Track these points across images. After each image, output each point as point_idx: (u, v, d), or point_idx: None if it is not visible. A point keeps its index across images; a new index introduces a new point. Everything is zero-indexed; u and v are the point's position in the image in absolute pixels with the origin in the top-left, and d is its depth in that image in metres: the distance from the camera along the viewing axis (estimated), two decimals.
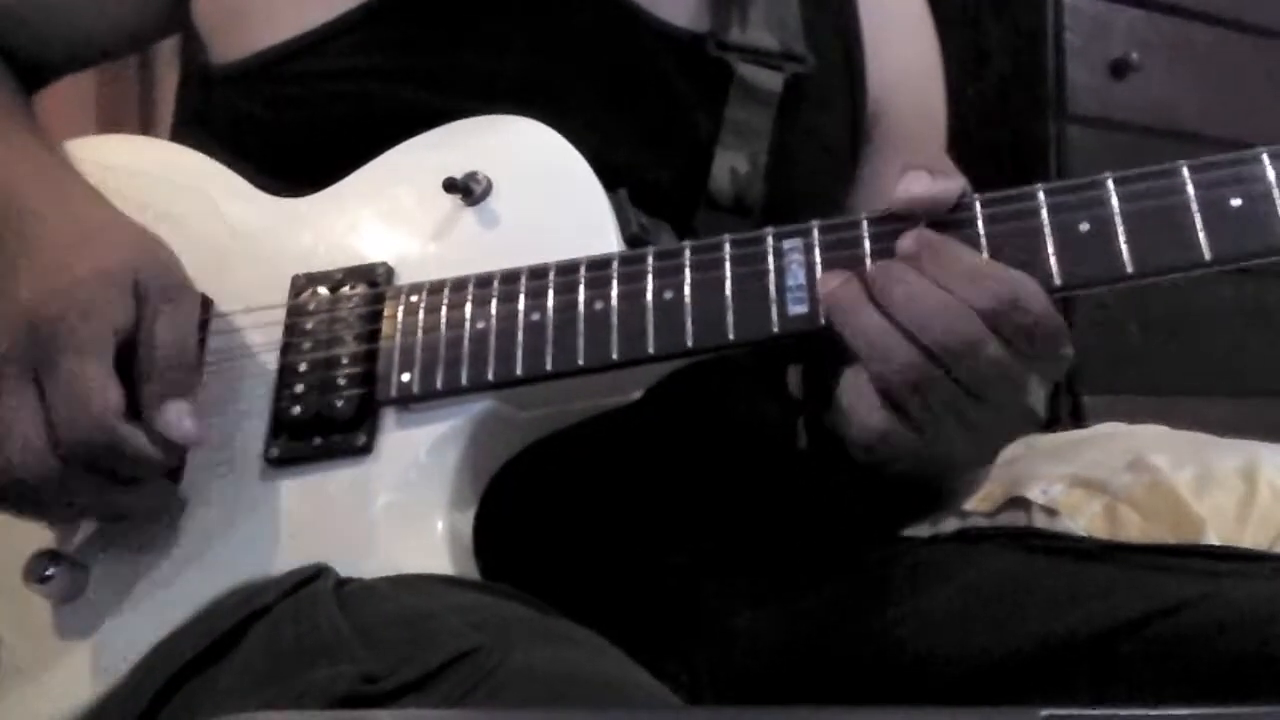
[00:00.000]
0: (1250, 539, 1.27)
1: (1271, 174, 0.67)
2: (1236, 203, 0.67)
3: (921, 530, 0.98)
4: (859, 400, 0.70)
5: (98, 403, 0.70)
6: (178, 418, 0.72)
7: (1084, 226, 0.69)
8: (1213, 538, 1.26)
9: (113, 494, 0.73)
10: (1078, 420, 1.76)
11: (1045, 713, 0.43)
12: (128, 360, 0.73)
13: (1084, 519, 1.31)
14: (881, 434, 0.69)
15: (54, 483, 0.71)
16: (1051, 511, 1.33)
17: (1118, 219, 0.68)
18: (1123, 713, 0.47)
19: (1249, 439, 1.50)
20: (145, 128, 1.91)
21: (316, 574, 0.69)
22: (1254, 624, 0.72)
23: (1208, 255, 0.67)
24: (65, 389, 0.70)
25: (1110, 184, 0.69)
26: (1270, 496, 1.32)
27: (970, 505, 1.36)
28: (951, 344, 0.67)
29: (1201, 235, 0.67)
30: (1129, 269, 0.68)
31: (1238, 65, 2.00)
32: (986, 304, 0.67)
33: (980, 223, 0.70)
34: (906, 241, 0.70)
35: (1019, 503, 1.36)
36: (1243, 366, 1.95)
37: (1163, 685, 0.73)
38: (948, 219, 0.71)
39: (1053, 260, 0.69)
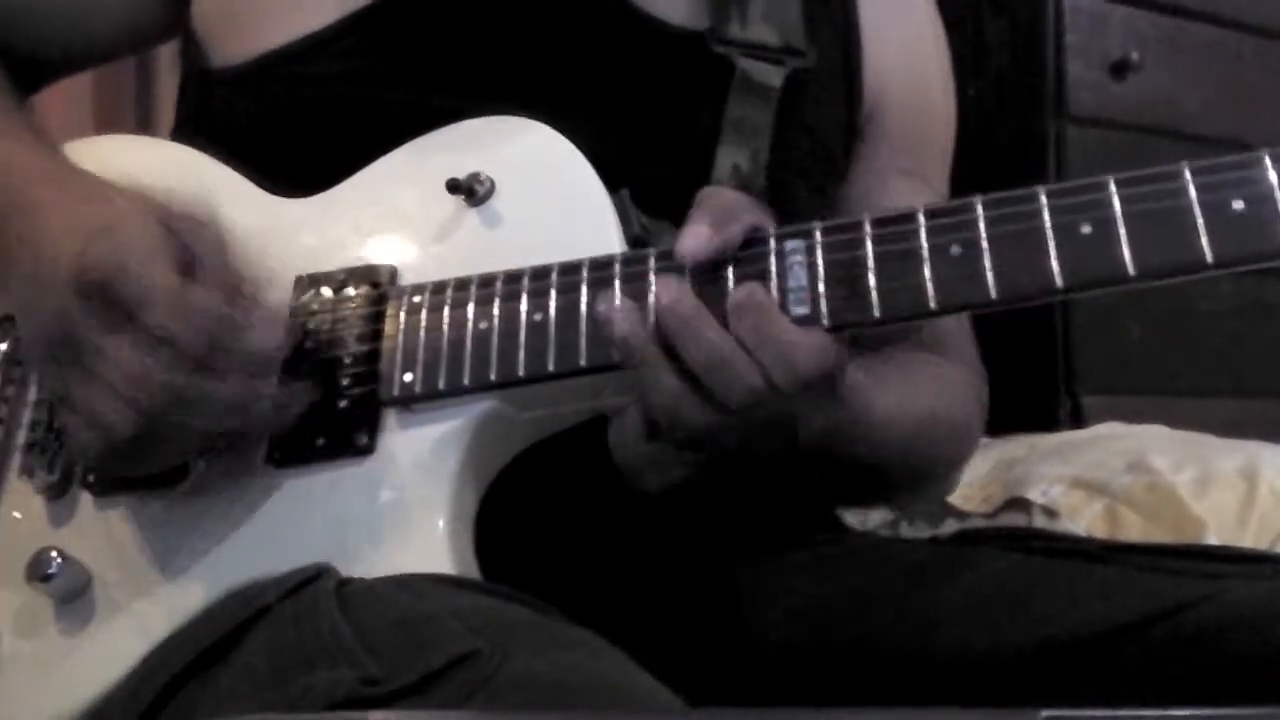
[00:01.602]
0: (1251, 540, 1.28)
1: (1273, 176, 0.67)
2: (1239, 205, 0.67)
3: (921, 531, 0.98)
4: (623, 435, 0.73)
5: (201, 296, 0.69)
6: (268, 314, 0.73)
7: (1086, 229, 0.68)
8: (1213, 539, 1.26)
9: (251, 383, 0.72)
10: (1078, 421, 1.76)
11: (1045, 713, 0.43)
12: None
13: (1084, 520, 1.31)
14: (648, 464, 0.74)
15: (200, 390, 0.70)
16: (1052, 512, 1.33)
17: (1120, 221, 0.68)
18: (1123, 713, 0.47)
19: (1249, 439, 1.50)
20: (142, 129, 1.90)
21: (317, 574, 0.69)
22: (1255, 625, 0.72)
23: (1210, 258, 0.67)
24: (160, 306, 0.69)
25: (1112, 186, 0.69)
26: (1270, 497, 1.32)
27: (970, 506, 1.37)
28: (736, 398, 0.70)
29: (1203, 238, 0.67)
30: (1131, 272, 0.68)
31: (1238, 65, 2.00)
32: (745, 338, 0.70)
33: (982, 224, 0.70)
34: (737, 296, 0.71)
35: (1019, 504, 1.36)
36: (1243, 366, 1.95)
37: (1164, 686, 0.73)
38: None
39: (1054, 263, 0.68)
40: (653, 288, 0.73)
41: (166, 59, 1.02)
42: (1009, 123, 1.90)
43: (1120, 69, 1.89)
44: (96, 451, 0.73)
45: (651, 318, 0.71)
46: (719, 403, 0.70)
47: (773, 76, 0.92)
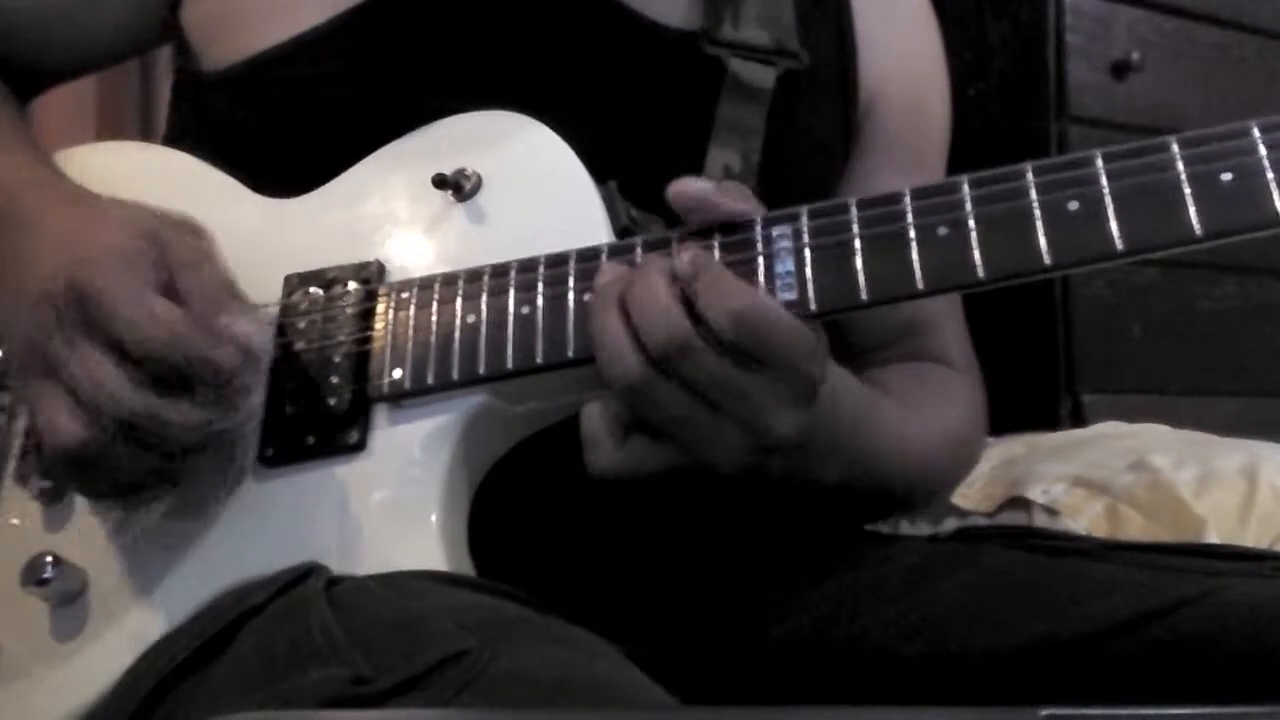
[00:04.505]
0: (1252, 539, 1.27)
1: (1263, 148, 0.66)
2: (1227, 177, 0.66)
3: (922, 529, 0.98)
4: (598, 429, 0.72)
5: (166, 317, 0.70)
6: (237, 320, 0.72)
7: (1073, 205, 0.68)
8: (1214, 538, 1.26)
9: (203, 413, 0.72)
10: (1078, 420, 1.76)
11: (1045, 712, 0.43)
12: None
13: (1085, 519, 1.31)
14: (621, 463, 0.72)
15: (157, 414, 0.70)
16: (1052, 511, 1.32)
17: (1107, 197, 0.68)
18: (1123, 713, 0.46)
19: (1251, 438, 1.49)
20: (145, 133, 1.91)
21: (307, 573, 0.69)
22: (1255, 623, 0.71)
23: (1199, 231, 0.66)
24: (128, 321, 0.69)
25: (1099, 161, 0.69)
26: (1271, 496, 1.31)
27: (971, 505, 1.36)
28: (664, 346, 0.69)
29: (1192, 210, 0.66)
30: (1119, 246, 0.67)
31: (1240, 66, 2.00)
32: (708, 315, 0.69)
33: (969, 204, 0.70)
34: (682, 263, 0.71)
35: (1019, 503, 1.36)
36: (1244, 366, 1.95)
37: (1163, 684, 0.72)
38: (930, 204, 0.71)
39: (1043, 240, 0.68)
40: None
41: (168, 62, 1.03)
42: (1011, 124, 1.90)
43: (1122, 70, 1.89)
44: (52, 463, 0.73)
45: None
46: (673, 373, 0.69)
47: (765, 78, 0.92)
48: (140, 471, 0.74)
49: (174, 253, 0.74)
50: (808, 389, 0.72)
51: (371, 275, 0.81)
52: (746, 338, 0.69)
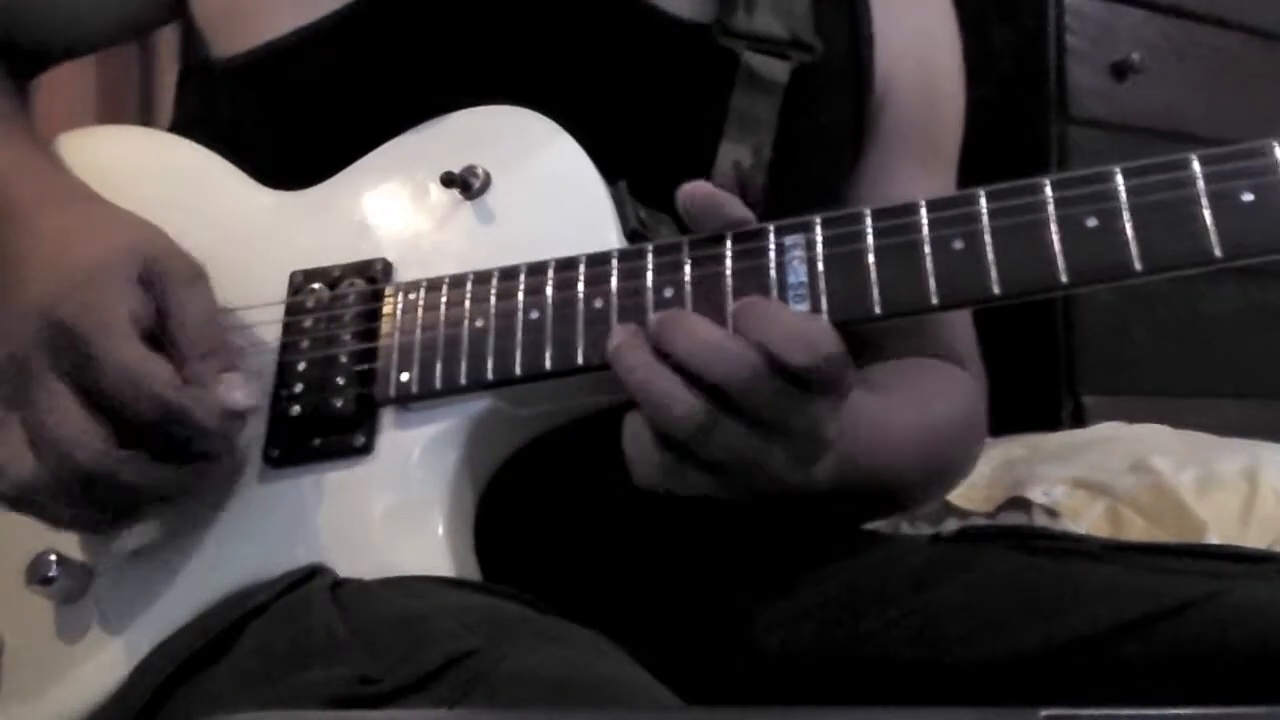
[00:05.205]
0: (1253, 541, 1.28)
1: None
2: (1248, 197, 0.65)
3: (922, 530, 0.98)
4: (638, 449, 0.70)
5: (155, 377, 0.69)
6: (232, 388, 0.72)
7: (1091, 222, 0.67)
8: (1214, 540, 1.26)
9: (181, 475, 0.72)
10: (1079, 421, 1.76)
11: (1045, 713, 0.43)
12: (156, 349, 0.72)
13: (1086, 521, 1.31)
14: (664, 479, 0.70)
15: (115, 474, 0.70)
16: (1053, 513, 1.33)
17: (1125, 214, 0.66)
18: (1123, 713, 0.46)
19: (1254, 440, 1.50)
20: (145, 119, 1.91)
21: (311, 574, 0.69)
22: (1257, 625, 0.71)
23: (1218, 252, 0.65)
24: (114, 376, 0.69)
25: (1119, 177, 0.68)
26: (1272, 498, 1.32)
27: (971, 506, 1.37)
28: (733, 377, 0.67)
29: (1212, 231, 0.65)
30: (1137, 266, 0.66)
31: (1241, 67, 2.00)
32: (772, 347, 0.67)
33: (985, 217, 0.69)
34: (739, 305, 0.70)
35: (1020, 503, 1.36)
36: (1245, 368, 1.95)
37: (1165, 686, 0.72)
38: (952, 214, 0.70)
39: (1059, 257, 0.67)
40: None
41: (169, 50, 1.03)
42: (1012, 125, 1.91)
43: (1123, 71, 1.89)
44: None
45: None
46: (739, 408, 0.68)
47: (779, 71, 0.91)
48: (87, 522, 0.74)
49: (162, 283, 0.73)
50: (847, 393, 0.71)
51: (378, 274, 0.80)
52: (817, 362, 0.67)
